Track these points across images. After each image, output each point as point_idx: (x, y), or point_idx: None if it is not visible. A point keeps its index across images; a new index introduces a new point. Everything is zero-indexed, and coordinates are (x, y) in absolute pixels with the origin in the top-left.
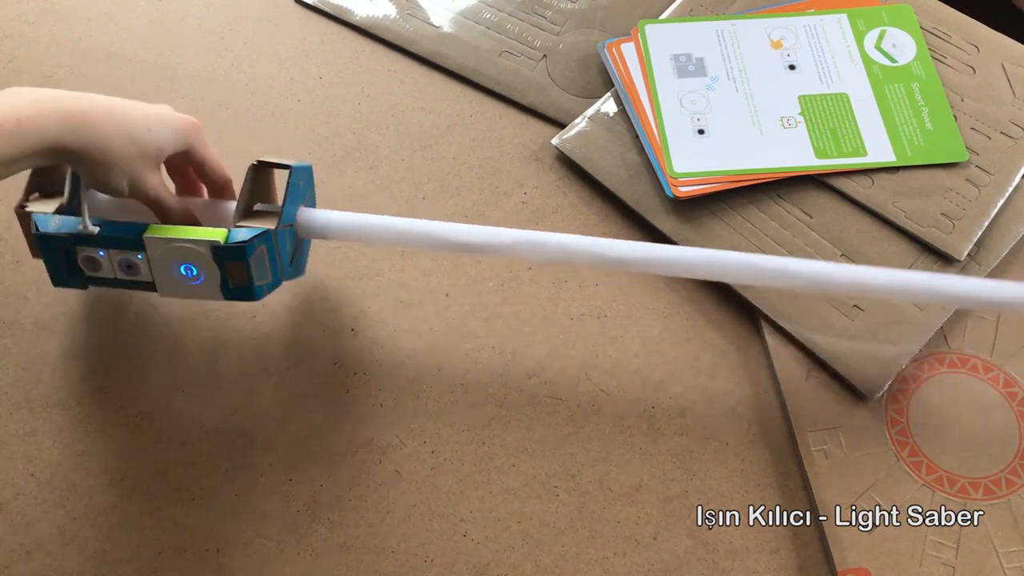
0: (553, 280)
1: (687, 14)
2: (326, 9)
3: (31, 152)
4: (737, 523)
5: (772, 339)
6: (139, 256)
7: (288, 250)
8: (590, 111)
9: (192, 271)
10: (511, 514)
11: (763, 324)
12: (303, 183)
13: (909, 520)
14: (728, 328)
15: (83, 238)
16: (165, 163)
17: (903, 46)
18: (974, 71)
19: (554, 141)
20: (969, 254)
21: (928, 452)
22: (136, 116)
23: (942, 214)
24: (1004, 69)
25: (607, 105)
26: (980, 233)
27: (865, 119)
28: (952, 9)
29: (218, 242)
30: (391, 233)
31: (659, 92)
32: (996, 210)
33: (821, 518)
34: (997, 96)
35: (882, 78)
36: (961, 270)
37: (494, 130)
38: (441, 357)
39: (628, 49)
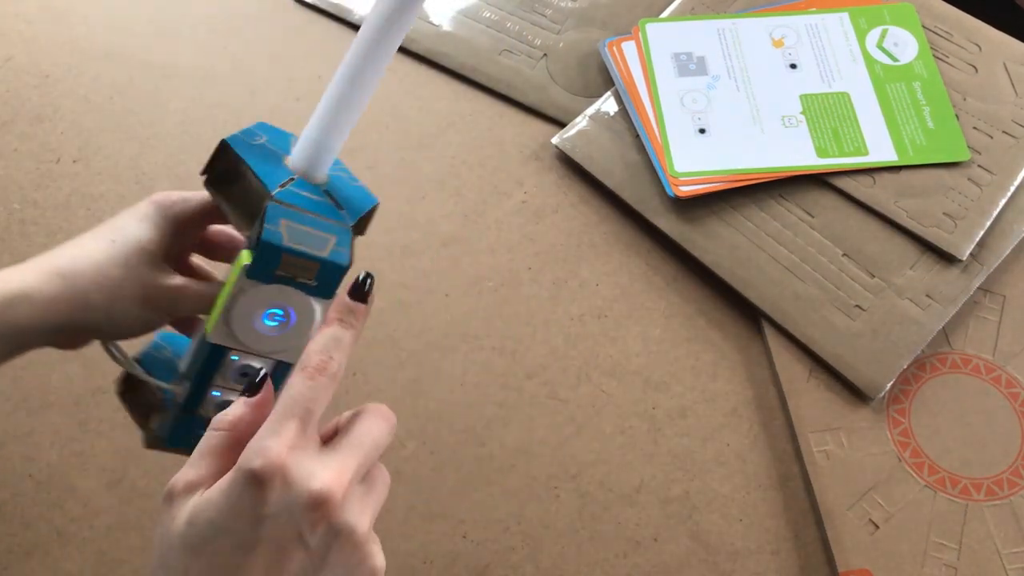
0: (553, 280)
1: (688, 13)
2: (326, 8)
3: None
4: (738, 524)
5: (773, 339)
6: (234, 357)
7: (315, 198)
8: (590, 110)
9: (277, 313)
10: (511, 515)
11: (764, 324)
12: (262, 139)
13: (911, 521)
14: (729, 328)
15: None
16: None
17: (905, 45)
18: (976, 70)
19: (554, 140)
20: (971, 253)
21: (930, 453)
22: (90, 246)
23: (944, 213)
24: (1006, 68)
25: (607, 104)
26: (982, 232)
27: (867, 118)
28: (954, 8)
29: (247, 264)
30: None
31: (660, 91)
32: (998, 209)
33: (822, 519)
34: (999, 95)
35: (884, 77)
36: (963, 270)
37: (494, 129)
38: (441, 357)
39: (629, 48)
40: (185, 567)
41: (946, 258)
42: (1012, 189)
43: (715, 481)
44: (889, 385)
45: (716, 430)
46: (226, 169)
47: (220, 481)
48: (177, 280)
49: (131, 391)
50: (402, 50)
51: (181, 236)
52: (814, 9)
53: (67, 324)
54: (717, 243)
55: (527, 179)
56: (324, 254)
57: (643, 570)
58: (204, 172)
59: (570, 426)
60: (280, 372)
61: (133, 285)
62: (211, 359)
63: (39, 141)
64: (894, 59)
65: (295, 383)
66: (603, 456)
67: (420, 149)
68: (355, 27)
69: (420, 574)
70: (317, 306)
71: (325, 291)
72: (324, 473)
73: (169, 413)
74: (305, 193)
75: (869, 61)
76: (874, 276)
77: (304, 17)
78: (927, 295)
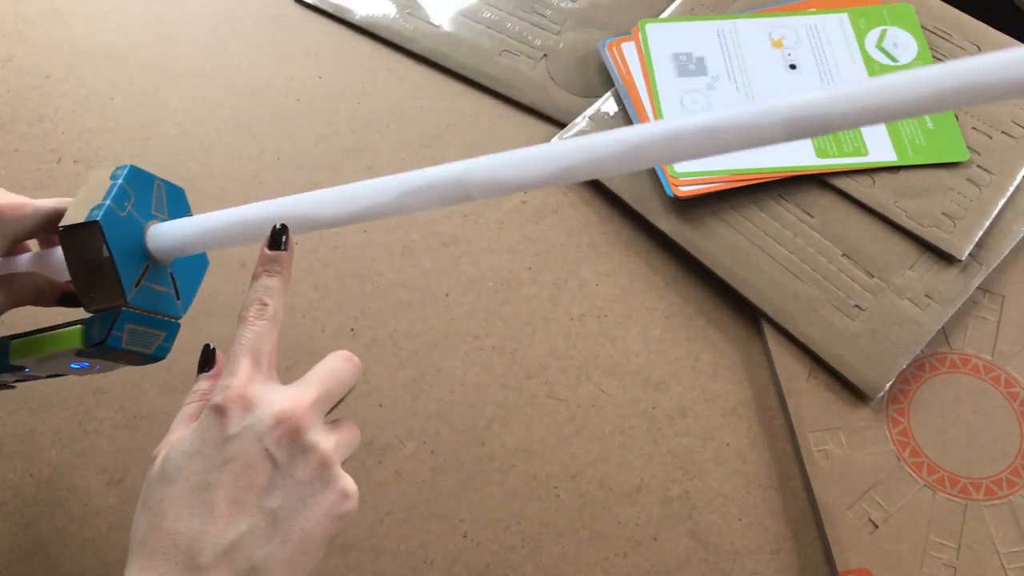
0: (553, 280)
1: (688, 13)
2: (326, 8)
3: None
4: (738, 523)
5: (773, 339)
6: (26, 370)
7: (163, 291)
8: (590, 110)
9: (84, 364)
10: (511, 515)
11: (764, 324)
12: (129, 205)
13: (910, 520)
14: (729, 328)
15: None
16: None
17: (904, 45)
18: None
19: (554, 140)
20: (970, 254)
21: (929, 452)
22: None
23: (943, 214)
24: None
25: (607, 104)
26: (981, 233)
27: None
28: (953, 8)
29: (79, 348)
30: (252, 222)
31: (659, 91)
32: (997, 209)
33: (822, 518)
34: None
35: None
36: (962, 270)
37: (494, 129)
38: (441, 357)
39: (628, 48)
40: (160, 497)
41: (945, 258)
42: (1011, 189)
43: (715, 481)
44: (888, 385)
45: (716, 430)
46: (89, 237)
47: (190, 426)
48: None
49: None
50: (402, 50)
51: (11, 243)
52: (813, 10)
53: None
54: (717, 243)
55: None
56: (149, 351)
57: (643, 569)
58: (63, 227)
59: (570, 426)
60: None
61: None
62: (4, 368)
63: (40, 141)
64: (893, 60)
65: (239, 333)
66: (603, 456)
67: (420, 149)
68: (355, 27)
69: (420, 574)
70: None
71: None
72: (283, 396)
73: None
74: (154, 286)
75: (868, 62)
76: (873, 276)
77: (304, 17)
78: (926, 295)
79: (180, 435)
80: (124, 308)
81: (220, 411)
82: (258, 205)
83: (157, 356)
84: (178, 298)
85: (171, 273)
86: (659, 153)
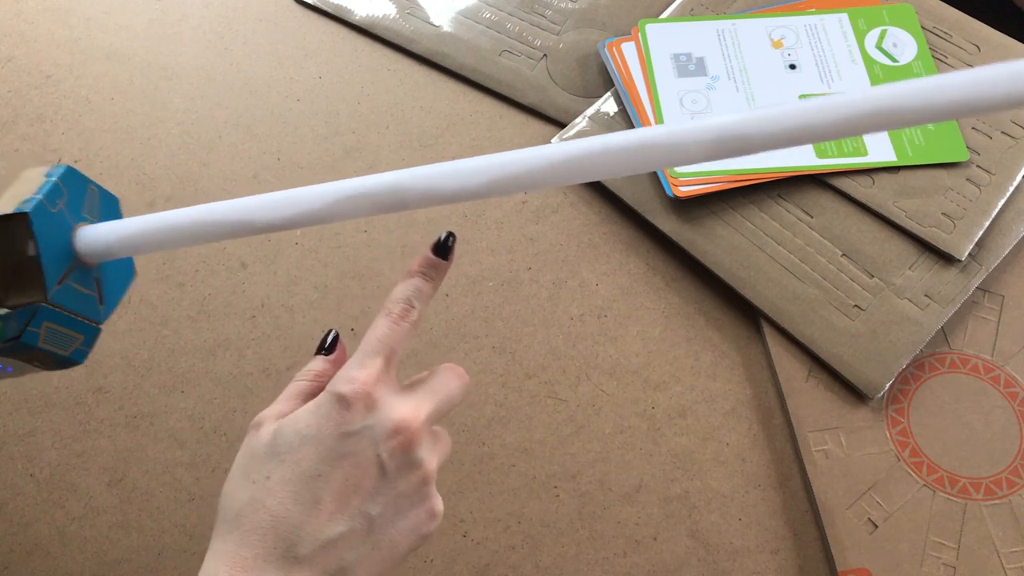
0: (553, 280)
1: (687, 13)
2: (326, 9)
3: None
4: (737, 523)
5: (772, 339)
6: None
7: (86, 293)
8: (590, 111)
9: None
10: (511, 514)
11: (763, 324)
12: (61, 203)
13: (910, 520)
14: (728, 328)
15: None
16: None
17: (904, 46)
18: None
19: (554, 140)
20: (970, 254)
21: (929, 452)
22: None
23: (943, 214)
24: None
25: (607, 105)
26: (981, 233)
27: None
28: (953, 8)
29: None
30: (190, 226)
31: (659, 91)
32: (997, 210)
33: (821, 518)
34: None
35: (883, 78)
36: (962, 270)
37: (494, 130)
38: (441, 357)
39: (628, 48)
40: (268, 472)
41: (945, 258)
42: (1011, 189)
43: (714, 480)
44: (888, 385)
45: (715, 430)
46: (15, 228)
47: (309, 403)
48: None
49: None
50: (402, 50)
51: None
52: (813, 10)
53: None
54: (716, 243)
55: None
56: (66, 353)
57: (643, 569)
58: None
59: (570, 426)
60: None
61: None
62: None
63: (40, 141)
64: (893, 60)
65: (379, 326)
66: (603, 455)
67: (420, 149)
68: (355, 27)
69: (420, 573)
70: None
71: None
72: (404, 406)
73: None
74: (77, 287)
75: (868, 62)
76: (873, 276)
77: (304, 17)
78: (926, 295)
79: (295, 413)
80: (43, 305)
81: (345, 402)
82: (189, 210)
83: (74, 360)
84: (101, 303)
85: (96, 277)
86: (590, 168)
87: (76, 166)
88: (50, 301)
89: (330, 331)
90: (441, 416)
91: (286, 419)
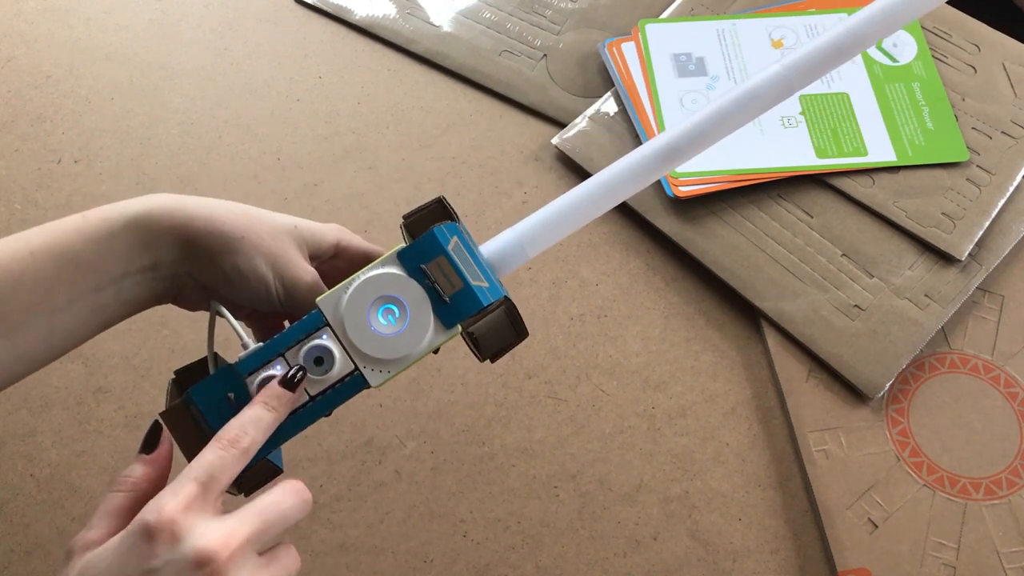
0: (553, 280)
1: (687, 13)
2: (326, 9)
3: (126, 247)
4: (737, 523)
5: (772, 339)
6: (324, 337)
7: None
8: (590, 110)
9: (394, 311)
10: (511, 514)
11: (763, 324)
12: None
13: (910, 520)
14: (728, 328)
15: (244, 364)
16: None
17: (904, 45)
18: (975, 71)
19: (554, 141)
20: (970, 254)
21: (929, 452)
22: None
23: (943, 214)
24: (1005, 68)
25: (607, 104)
26: (981, 233)
27: (866, 119)
28: (953, 8)
29: (402, 247)
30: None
31: (659, 91)
32: (997, 210)
33: (821, 518)
34: (998, 96)
35: (883, 77)
36: (962, 270)
37: (494, 130)
38: (441, 357)
39: (628, 48)
40: None
41: (945, 258)
42: (1011, 189)
43: (714, 480)
44: (888, 385)
45: (715, 430)
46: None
47: (113, 537)
48: (310, 268)
49: (186, 376)
50: (402, 50)
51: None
52: (813, 10)
53: (210, 244)
54: (716, 243)
55: (527, 179)
56: (471, 282)
57: (643, 569)
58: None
59: (570, 426)
60: (350, 386)
61: (281, 247)
62: (301, 326)
63: (40, 141)
64: (893, 60)
65: (206, 451)
66: (603, 455)
67: (420, 149)
68: (355, 27)
69: (420, 573)
70: (431, 326)
71: (448, 317)
72: (213, 533)
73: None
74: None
75: (868, 62)
76: (873, 276)
77: (304, 17)
78: (926, 295)
79: (99, 551)
80: (454, 222)
81: (148, 535)
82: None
83: (479, 297)
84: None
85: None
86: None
87: (76, 166)
88: (460, 225)
89: (153, 422)
90: (270, 536)
91: (91, 556)
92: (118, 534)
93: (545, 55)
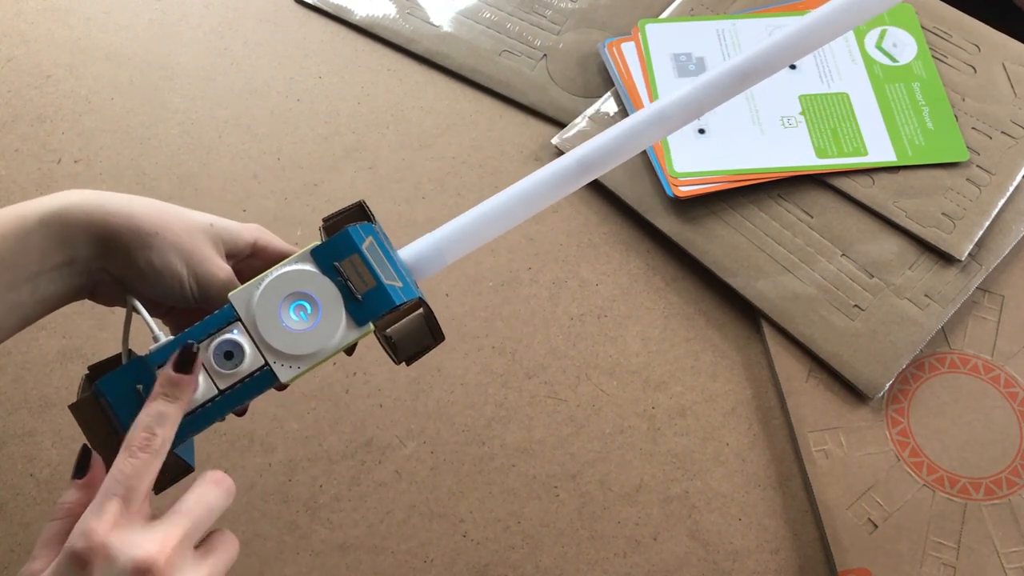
0: (553, 280)
1: (687, 13)
2: (326, 9)
3: (44, 245)
4: (737, 523)
5: (772, 339)
6: (235, 332)
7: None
8: (590, 111)
9: (305, 308)
10: (511, 514)
11: (763, 324)
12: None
13: (910, 520)
14: (728, 328)
15: (155, 356)
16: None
17: (904, 45)
18: (975, 70)
19: (554, 141)
20: (970, 254)
21: (929, 452)
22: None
23: (943, 214)
24: (1005, 68)
25: (607, 104)
26: (981, 233)
27: (866, 119)
28: (953, 8)
29: (315, 244)
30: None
31: (659, 91)
32: (997, 209)
33: (821, 518)
34: (998, 95)
35: (883, 77)
36: (962, 270)
37: (494, 130)
38: (441, 357)
39: (628, 48)
40: None
41: (945, 258)
42: (1011, 189)
43: (714, 480)
44: (888, 385)
45: (715, 430)
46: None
47: (48, 568)
48: (225, 265)
49: (100, 371)
50: (402, 50)
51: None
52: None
53: (126, 240)
54: (716, 243)
55: None
56: (384, 281)
57: (643, 569)
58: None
59: (570, 426)
60: (260, 380)
61: (196, 244)
62: (213, 321)
63: (40, 141)
64: (893, 60)
65: (118, 462)
66: (603, 455)
67: (420, 149)
68: (355, 27)
69: (420, 573)
70: (343, 323)
71: (361, 314)
72: (147, 543)
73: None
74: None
75: (868, 62)
76: (873, 276)
77: (304, 17)
78: (926, 295)
79: None
80: (371, 224)
81: (80, 562)
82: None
83: (391, 296)
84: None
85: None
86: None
87: (76, 166)
88: (376, 226)
89: (83, 445)
90: (202, 530)
91: None
92: (52, 565)
93: (545, 55)
